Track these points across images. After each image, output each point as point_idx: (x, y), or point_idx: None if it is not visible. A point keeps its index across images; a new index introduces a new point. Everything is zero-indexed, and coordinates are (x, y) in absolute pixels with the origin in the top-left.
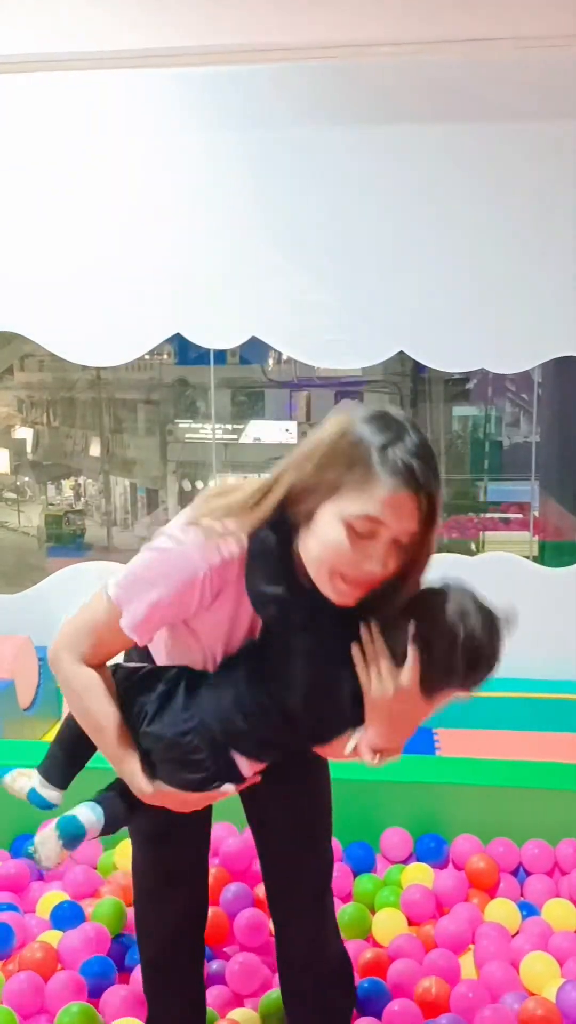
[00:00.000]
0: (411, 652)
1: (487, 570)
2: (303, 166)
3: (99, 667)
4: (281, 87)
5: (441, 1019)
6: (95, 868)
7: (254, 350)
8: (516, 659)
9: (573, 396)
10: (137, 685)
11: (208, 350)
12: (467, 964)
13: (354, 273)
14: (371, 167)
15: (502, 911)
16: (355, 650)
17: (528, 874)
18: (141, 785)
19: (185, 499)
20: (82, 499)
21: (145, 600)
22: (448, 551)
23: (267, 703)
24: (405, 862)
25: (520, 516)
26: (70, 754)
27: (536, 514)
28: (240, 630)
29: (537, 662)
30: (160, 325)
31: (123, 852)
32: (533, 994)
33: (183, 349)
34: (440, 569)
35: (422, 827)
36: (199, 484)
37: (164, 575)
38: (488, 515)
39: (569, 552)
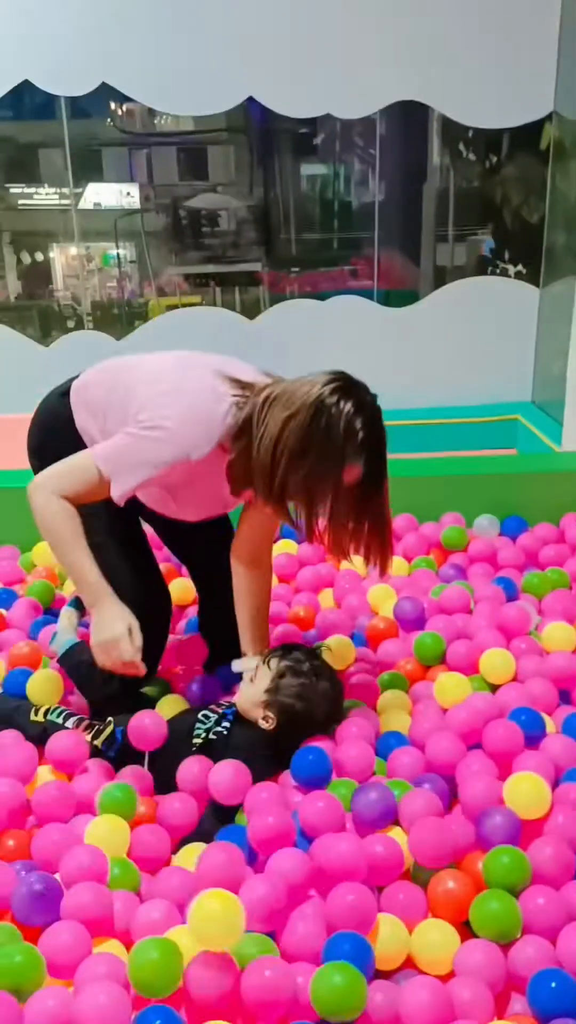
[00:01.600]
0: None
1: (338, 312)
2: None
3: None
4: None
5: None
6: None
7: (90, 103)
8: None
9: (413, 149)
10: None
11: (46, 102)
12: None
13: (204, 18)
14: None
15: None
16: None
17: None
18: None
19: (25, 272)
20: None
21: (133, 479)
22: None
23: None
24: None
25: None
26: None
27: (379, 266)
28: (213, 505)
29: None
30: (7, 72)
31: (39, 552)
32: (376, 613)
33: (13, 103)
34: (296, 314)
35: None
36: (39, 256)
37: (150, 459)
38: (337, 268)
39: (409, 297)
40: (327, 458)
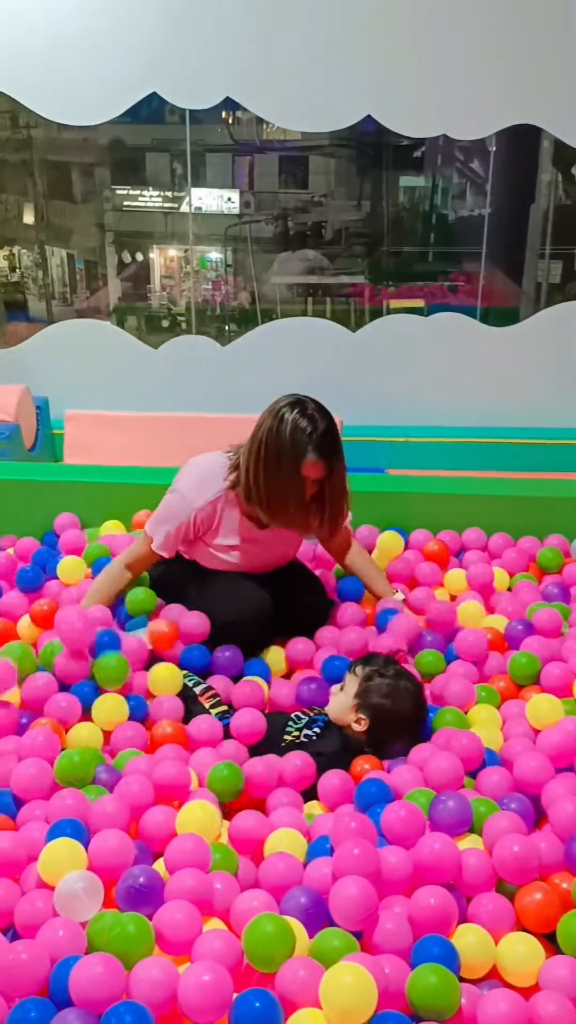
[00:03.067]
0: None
1: (440, 328)
2: None
3: (135, 574)
4: None
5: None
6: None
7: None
8: (461, 406)
9: (524, 167)
10: None
11: (157, 107)
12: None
13: (327, 38)
14: None
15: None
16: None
17: (466, 550)
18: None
19: (127, 273)
20: (17, 270)
21: (162, 532)
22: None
23: None
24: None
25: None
26: None
27: (483, 283)
28: (268, 553)
29: (480, 408)
30: (136, 84)
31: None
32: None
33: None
34: (398, 328)
35: (386, 524)
36: (139, 256)
37: (173, 515)
38: (436, 283)
39: (510, 315)
40: (285, 455)
